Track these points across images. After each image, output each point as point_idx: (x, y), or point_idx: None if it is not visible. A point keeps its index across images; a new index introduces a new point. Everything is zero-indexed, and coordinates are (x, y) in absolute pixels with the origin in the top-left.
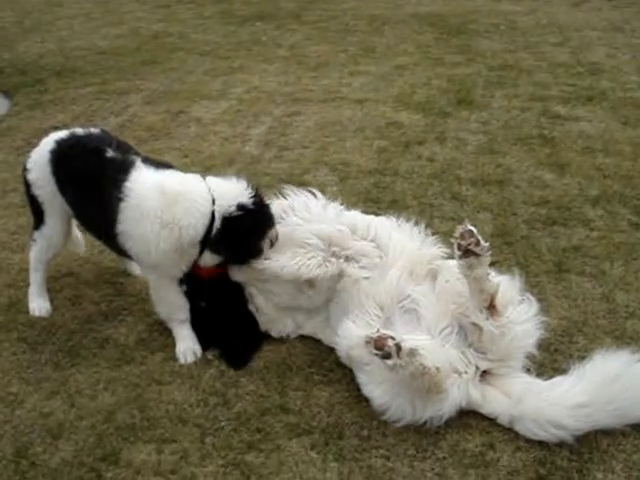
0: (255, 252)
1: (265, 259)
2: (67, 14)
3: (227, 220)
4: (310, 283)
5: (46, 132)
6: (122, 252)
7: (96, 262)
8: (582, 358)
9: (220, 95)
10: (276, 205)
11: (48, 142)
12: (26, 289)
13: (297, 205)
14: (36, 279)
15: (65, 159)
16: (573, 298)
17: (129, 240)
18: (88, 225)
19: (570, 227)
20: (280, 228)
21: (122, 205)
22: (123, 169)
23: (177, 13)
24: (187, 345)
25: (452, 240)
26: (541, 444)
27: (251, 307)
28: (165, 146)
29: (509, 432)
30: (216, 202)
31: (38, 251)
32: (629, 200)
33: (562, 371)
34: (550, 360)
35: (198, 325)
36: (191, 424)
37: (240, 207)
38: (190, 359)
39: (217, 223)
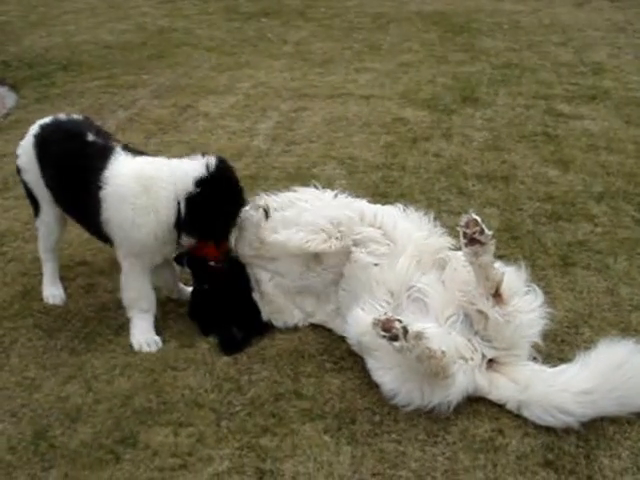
0: (227, 223)
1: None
2: (72, 9)
3: (188, 200)
4: (318, 259)
5: None
6: (105, 238)
7: (109, 252)
8: (588, 349)
9: (227, 90)
10: (285, 196)
11: (34, 127)
12: (39, 277)
13: (308, 195)
14: (48, 269)
15: (47, 143)
16: (579, 291)
17: (113, 227)
18: (70, 210)
19: (575, 222)
20: (289, 212)
21: (103, 192)
22: (103, 156)
23: (182, 9)
24: (147, 336)
25: (457, 228)
26: (548, 430)
27: (256, 295)
28: (174, 139)
29: (517, 419)
30: (177, 184)
31: (42, 239)
32: (633, 197)
33: (568, 361)
34: (557, 350)
35: (199, 310)
36: (206, 408)
37: (198, 183)
38: (153, 348)
39: (182, 205)
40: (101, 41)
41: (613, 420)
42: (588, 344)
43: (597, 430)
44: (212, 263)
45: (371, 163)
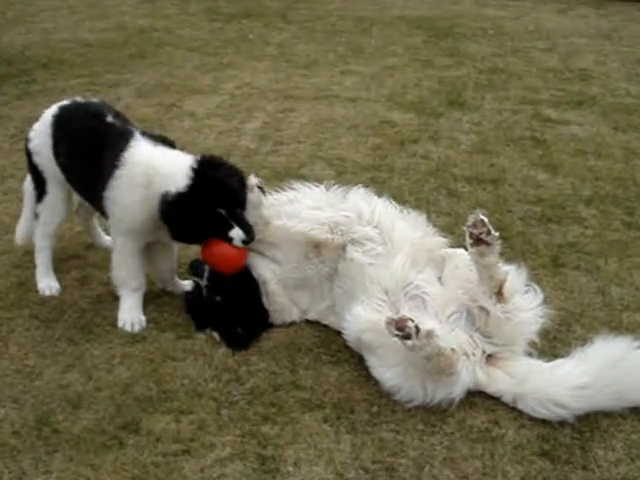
0: (193, 234)
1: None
2: (49, 6)
3: (163, 204)
4: (317, 251)
5: None
6: (104, 213)
7: (102, 246)
8: (580, 346)
9: (212, 90)
10: (282, 196)
11: (51, 109)
12: (33, 269)
13: (302, 194)
14: (42, 259)
15: (66, 122)
16: (570, 291)
17: (115, 205)
18: (78, 185)
19: (565, 225)
20: (289, 207)
21: (116, 172)
22: (123, 137)
23: (162, 8)
24: (133, 315)
25: (464, 228)
26: (544, 422)
27: (264, 300)
28: None
29: (513, 411)
30: (167, 181)
31: (43, 224)
32: (621, 201)
33: (561, 357)
34: (550, 347)
35: (205, 312)
36: (206, 397)
37: (163, 197)
38: (137, 328)
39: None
40: (81, 39)
41: (607, 414)
42: (580, 341)
43: (591, 423)
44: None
45: (360, 164)
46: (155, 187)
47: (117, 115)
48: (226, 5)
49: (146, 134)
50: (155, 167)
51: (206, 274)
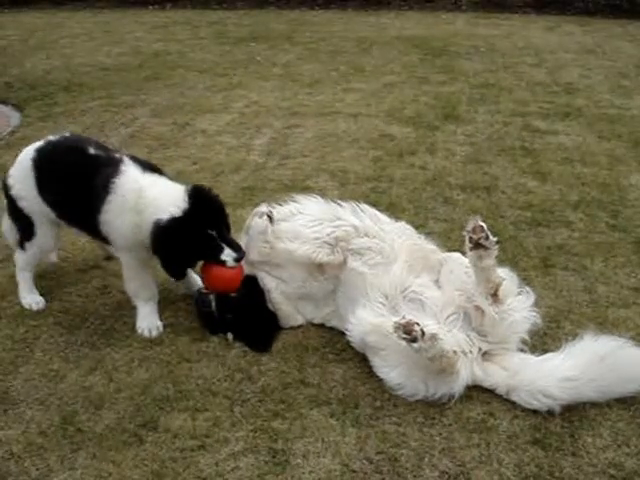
0: (176, 265)
1: (281, 243)
2: (69, 33)
3: (156, 230)
4: (321, 269)
5: None
6: (101, 238)
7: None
8: (568, 341)
9: (222, 109)
10: (283, 209)
11: (27, 153)
12: (56, 280)
13: (303, 207)
14: (26, 279)
15: (48, 162)
16: (559, 290)
17: (110, 228)
18: (70, 217)
19: (553, 228)
20: (289, 224)
21: (108, 198)
22: (112, 164)
23: (174, 33)
24: (150, 321)
25: (464, 233)
26: (535, 413)
27: (270, 307)
28: (175, 154)
29: (507, 403)
30: (158, 210)
31: (29, 256)
32: (606, 205)
33: (551, 352)
34: (540, 342)
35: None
36: (220, 396)
37: (155, 223)
38: (154, 334)
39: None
40: (99, 63)
41: (594, 404)
42: (569, 337)
43: (580, 412)
44: (233, 294)
45: (361, 175)
46: (147, 214)
47: (98, 145)
48: (235, 29)
49: (136, 160)
50: (147, 195)
51: (213, 304)
